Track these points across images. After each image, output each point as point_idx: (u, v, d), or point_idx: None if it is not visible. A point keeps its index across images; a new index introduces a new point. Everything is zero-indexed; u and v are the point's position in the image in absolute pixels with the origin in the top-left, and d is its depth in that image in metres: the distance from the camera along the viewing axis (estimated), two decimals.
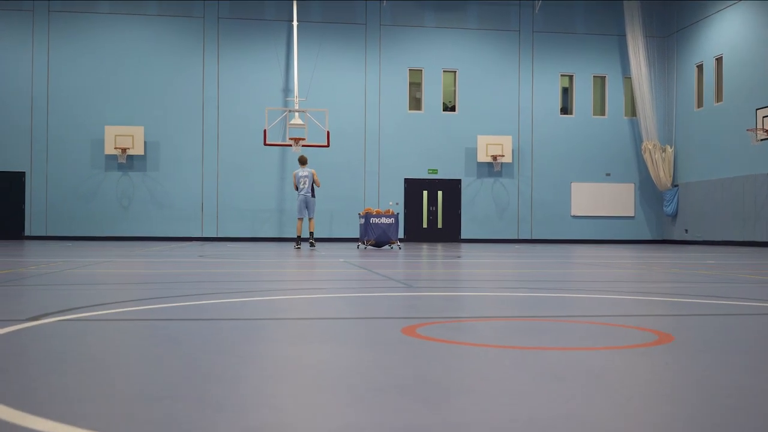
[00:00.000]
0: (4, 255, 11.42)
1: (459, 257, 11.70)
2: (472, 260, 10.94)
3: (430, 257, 11.98)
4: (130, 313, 3.94)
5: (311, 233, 16.21)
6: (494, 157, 24.39)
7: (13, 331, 3.19)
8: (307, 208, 16.12)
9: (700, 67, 24.10)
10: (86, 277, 6.63)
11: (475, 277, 7.67)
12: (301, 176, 16.14)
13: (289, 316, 4.09)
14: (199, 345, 2.94)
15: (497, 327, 3.62)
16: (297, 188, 16.25)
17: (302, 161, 16.51)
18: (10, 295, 4.99)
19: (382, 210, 17.33)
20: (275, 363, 2.59)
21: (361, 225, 16.96)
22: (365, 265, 8.94)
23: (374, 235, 16.38)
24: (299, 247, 15.96)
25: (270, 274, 7.70)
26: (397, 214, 16.87)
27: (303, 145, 21.55)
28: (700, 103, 24.06)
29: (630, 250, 17.00)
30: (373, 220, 16.40)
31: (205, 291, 5.33)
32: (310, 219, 16.25)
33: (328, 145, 21.91)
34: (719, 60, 22.98)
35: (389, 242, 16.62)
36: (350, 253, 13.69)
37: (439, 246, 19.72)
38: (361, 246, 17.11)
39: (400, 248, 16.76)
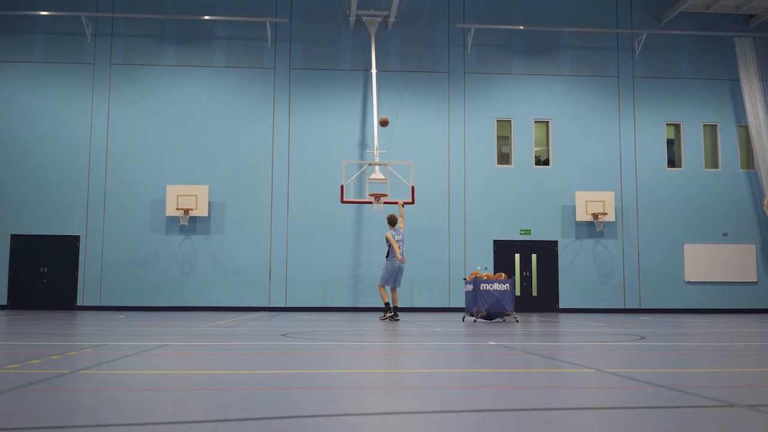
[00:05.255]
0: (27, 334, 8.13)
1: (643, 338, 8.00)
2: (664, 342, 7.28)
3: (597, 336, 8.26)
4: None
5: (396, 306, 13.22)
6: (595, 216, 20.69)
7: None
8: (397, 277, 13.12)
9: None
10: (109, 395, 3.20)
11: None
12: (398, 239, 13.16)
13: None
14: None
15: None
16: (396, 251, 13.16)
17: (394, 221, 13.41)
18: None
19: (492, 274, 13.73)
20: None
21: (467, 293, 13.35)
22: (547, 352, 5.38)
23: (485, 305, 12.73)
24: (394, 318, 12.79)
25: (432, 376, 4.18)
26: (512, 279, 13.25)
27: (385, 202, 18.22)
28: None
29: None
30: (483, 286, 12.78)
31: None
32: (393, 288, 13.22)
33: (412, 202, 18.52)
34: None
35: (504, 313, 12.97)
36: (466, 328, 10.08)
37: (537, 317, 15.99)
38: (468, 318, 13.50)
39: (517, 321, 13.09)
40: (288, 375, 4.18)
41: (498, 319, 13.21)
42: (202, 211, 20.21)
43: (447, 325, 11.49)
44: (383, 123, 14.83)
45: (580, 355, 5.59)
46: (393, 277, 13.22)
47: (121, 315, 15.40)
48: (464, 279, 13.92)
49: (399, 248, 13.16)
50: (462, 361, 5.31)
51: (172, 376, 4.17)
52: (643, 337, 7.98)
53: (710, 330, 9.94)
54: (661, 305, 20.89)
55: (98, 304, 19.93)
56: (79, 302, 20.03)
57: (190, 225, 20.39)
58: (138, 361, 4.95)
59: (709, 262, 21.11)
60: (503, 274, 13.40)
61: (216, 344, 6.86)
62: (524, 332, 9.17)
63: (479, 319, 12.99)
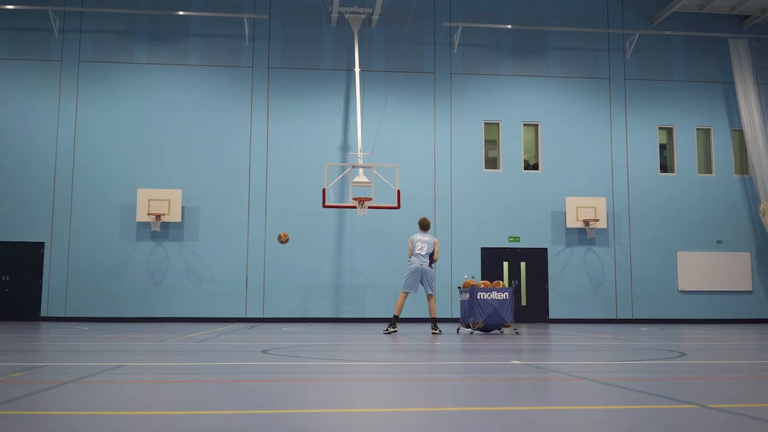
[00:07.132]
0: None
1: (683, 354, 6.81)
2: (715, 360, 6.10)
3: (627, 351, 7.04)
4: None
5: (433, 318, 11.68)
6: (586, 222, 19.61)
7: None
8: (422, 280, 11.57)
9: None
10: None
11: None
12: (418, 239, 11.65)
13: None
14: None
15: None
16: (411, 254, 11.70)
17: (425, 226, 11.89)
18: None
19: (490, 282, 12.52)
20: None
21: (463, 302, 12.12)
22: (597, 376, 4.16)
23: (483, 316, 11.50)
24: (393, 331, 11.49)
25: (485, 418, 2.94)
26: (512, 287, 12.04)
27: (369, 207, 16.99)
28: None
29: None
30: (480, 295, 11.55)
31: None
32: (429, 296, 11.65)
33: (398, 207, 17.30)
34: None
35: (502, 325, 11.75)
36: (467, 342, 8.86)
37: (527, 327, 14.80)
38: (464, 330, 12.28)
39: (517, 333, 11.88)
40: (280, 420, 2.90)
41: (495, 331, 12.01)
42: (175, 216, 18.81)
43: (443, 338, 10.25)
44: (282, 239, 13.00)
45: (645, 381, 4.37)
46: (411, 280, 11.59)
47: (85, 327, 13.95)
48: (459, 288, 12.67)
49: (416, 248, 11.59)
50: (505, 392, 4.04)
51: (107, 421, 2.86)
52: (683, 354, 6.79)
53: (740, 342, 8.79)
54: (653, 315, 19.82)
55: (63, 315, 18.42)
56: (43, 313, 18.50)
57: (162, 231, 18.96)
58: (72, 393, 3.64)
59: (703, 271, 20.10)
60: (501, 282, 12.18)
61: (183, 365, 5.55)
62: (538, 347, 7.95)
63: (476, 331, 11.77)
